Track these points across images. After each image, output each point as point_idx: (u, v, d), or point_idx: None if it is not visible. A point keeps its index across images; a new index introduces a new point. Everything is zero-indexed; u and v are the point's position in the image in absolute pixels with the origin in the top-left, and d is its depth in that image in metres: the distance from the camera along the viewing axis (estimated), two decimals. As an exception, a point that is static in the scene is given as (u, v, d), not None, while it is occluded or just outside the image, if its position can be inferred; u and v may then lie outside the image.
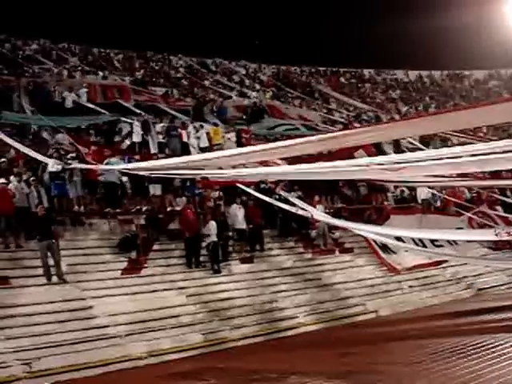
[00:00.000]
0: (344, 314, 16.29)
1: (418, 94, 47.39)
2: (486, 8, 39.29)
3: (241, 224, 17.82)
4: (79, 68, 31.79)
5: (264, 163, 12.53)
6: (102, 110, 23.25)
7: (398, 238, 16.77)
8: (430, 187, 22.14)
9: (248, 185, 16.96)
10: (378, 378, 9.35)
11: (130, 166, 15.00)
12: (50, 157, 16.35)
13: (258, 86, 38.47)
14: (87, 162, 16.94)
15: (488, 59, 48.11)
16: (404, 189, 23.31)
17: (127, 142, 21.02)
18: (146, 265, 15.89)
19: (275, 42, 45.43)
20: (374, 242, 18.95)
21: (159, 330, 13.48)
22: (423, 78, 52.31)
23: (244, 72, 43.30)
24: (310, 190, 19.90)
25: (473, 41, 43.62)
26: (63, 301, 13.53)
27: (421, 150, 23.48)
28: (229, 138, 22.99)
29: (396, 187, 23.50)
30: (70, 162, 16.04)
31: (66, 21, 38.05)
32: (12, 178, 15.38)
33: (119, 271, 15.39)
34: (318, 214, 16.80)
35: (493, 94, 48.28)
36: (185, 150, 21.02)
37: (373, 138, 8.98)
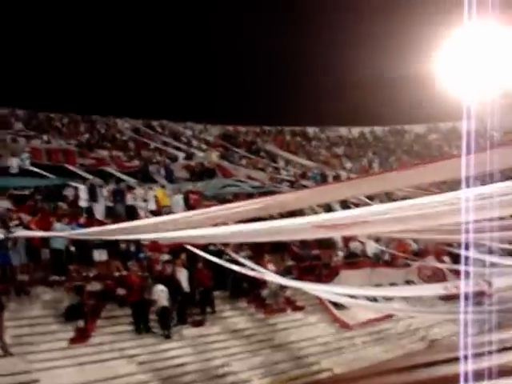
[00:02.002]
0: (299, 373, 16.12)
1: (362, 150, 48.53)
2: (424, 63, 40.95)
3: (184, 288, 17.46)
4: (23, 133, 31.45)
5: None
6: (48, 174, 22.98)
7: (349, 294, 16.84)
8: (376, 241, 22.48)
9: (197, 246, 16.85)
10: None
11: (78, 232, 14.61)
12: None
13: (204, 147, 38.77)
14: (31, 229, 16.54)
15: (427, 113, 49.92)
16: (356, 244, 23.56)
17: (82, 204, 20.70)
18: (93, 333, 15.45)
19: (220, 102, 46.20)
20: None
21: (109, 401, 13.10)
22: (366, 134, 53.73)
23: (190, 133, 43.64)
24: (259, 249, 19.92)
25: (412, 95, 45.17)
26: (9, 374, 12.99)
27: (367, 204, 23.96)
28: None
29: (347, 243, 23.75)
30: (13, 230, 15.64)
31: (9, 85, 37.82)
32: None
33: (66, 341, 14.90)
34: (269, 274, 16.74)
35: (433, 147, 49.94)
36: (131, 213, 20.84)
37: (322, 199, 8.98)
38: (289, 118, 48.93)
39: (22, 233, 15.55)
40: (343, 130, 53.83)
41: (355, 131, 53.96)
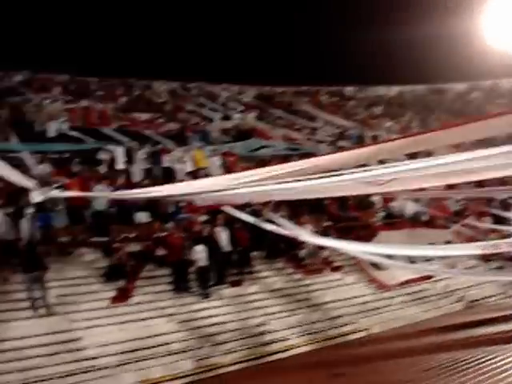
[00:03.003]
0: (336, 333, 16.23)
1: (401, 109, 47.68)
2: (464, 20, 39.75)
3: (225, 247, 17.67)
4: (61, 97, 31.71)
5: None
6: (85, 138, 23.17)
7: (387, 255, 16.77)
8: (415, 201, 22.27)
9: (234, 207, 16.89)
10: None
11: (120, 192, 14.63)
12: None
13: (241, 108, 38.57)
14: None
15: (468, 71, 48.59)
16: (395, 204, 23.34)
17: (119, 167, 20.90)
18: (134, 293, 15.76)
19: (256, 63, 45.76)
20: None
21: (150, 358, 13.40)
22: (405, 93, 52.71)
23: (227, 94, 43.44)
24: (297, 209, 19.90)
25: (452, 53, 44.07)
26: (52, 333, 13.44)
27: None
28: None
29: (386, 204, 23.54)
30: (54, 191, 15.87)
31: (47, 51, 38.13)
32: (-5, 210, 15.29)
33: (107, 301, 15.25)
34: (305, 235, 16.71)
35: (474, 105, 48.76)
36: (168, 175, 20.97)
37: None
38: (326, 78, 48.23)
39: (62, 193, 15.82)
40: (382, 89, 52.87)
41: (394, 90, 52.96)
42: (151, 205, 17.64)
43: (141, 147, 21.99)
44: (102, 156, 21.58)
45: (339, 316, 17.12)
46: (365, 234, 21.52)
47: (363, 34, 42.29)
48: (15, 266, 14.77)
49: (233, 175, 9.05)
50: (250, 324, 15.77)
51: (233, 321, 15.74)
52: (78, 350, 13.19)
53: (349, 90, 51.22)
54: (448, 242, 21.66)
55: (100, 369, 12.69)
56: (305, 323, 16.32)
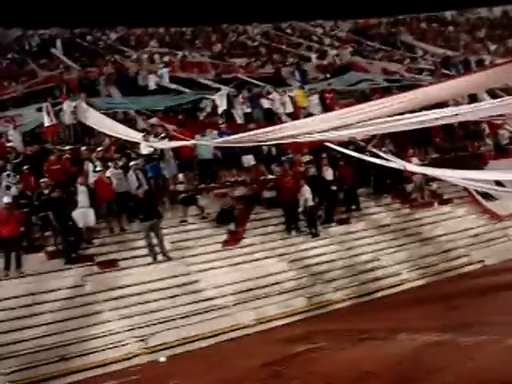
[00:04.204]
0: (448, 266, 16.01)
1: (506, 31, 44.78)
2: None
3: (331, 186, 17.58)
4: (158, 50, 32.22)
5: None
6: (184, 89, 23.52)
7: (499, 184, 16.12)
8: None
9: (338, 144, 16.70)
10: (488, 329, 9.16)
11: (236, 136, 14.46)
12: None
13: (337, 44, 37.68)
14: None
15: None
16: (505, 132, 22.26)
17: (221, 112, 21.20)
18: (244, 235, 16.18)
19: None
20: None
21: (265, 297, 13.82)
22: (509, 13, 49.36)
23: (321, 31, 42.49)
24: (402, 143, 19.39)
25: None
26: (170, 277, 14.09)
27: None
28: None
29: (494, 132, 22.48)
30: (160, 142, 16.37)
31: (140, 6, 38.78)
32: (109, 164, 15.97)
33: (220, 244, 15.74)
34: (411, 165, 16.31)
35: None
36: (268, 117, 21.02)
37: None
38: (423, 4, 45.96)
39: (168, 144, 16.32)
40: (483, 11, 49.78)
41: (497, 11, 49.72)
42: (255, 148, 17.77)
43: (239, 92, 22.09)
44: (204, 104, 21.93)
45: (451, 249, 16.83)
46: (474, 164, 20.75)
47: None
48: (131, 215, 15.51)
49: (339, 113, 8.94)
50: (360, 260, 15.85)
51: (343, 258, 15.87)
52: (196, 291, 13.79)
53: (448, 14, 48.63)
54: None
55: (218, 308, 13.21)
56: (416, 257, 16.19)
